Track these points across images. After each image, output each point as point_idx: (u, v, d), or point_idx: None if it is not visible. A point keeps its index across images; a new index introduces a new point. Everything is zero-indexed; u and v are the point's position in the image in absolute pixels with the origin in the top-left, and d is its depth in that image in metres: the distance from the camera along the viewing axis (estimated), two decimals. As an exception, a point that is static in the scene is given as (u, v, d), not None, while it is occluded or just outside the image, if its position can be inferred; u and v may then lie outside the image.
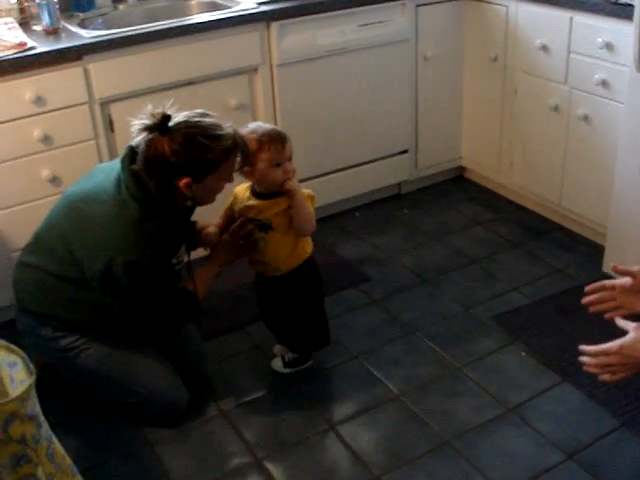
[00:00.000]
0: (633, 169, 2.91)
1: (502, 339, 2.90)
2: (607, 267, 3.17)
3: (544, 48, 3.39)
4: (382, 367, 2.78)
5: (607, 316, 2.00)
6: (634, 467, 2.32)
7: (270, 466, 2.39)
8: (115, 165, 2.38)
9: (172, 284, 2.47)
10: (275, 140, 2.44)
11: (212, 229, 2.64)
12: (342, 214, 3.85)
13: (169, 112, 2.25)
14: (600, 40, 3.09)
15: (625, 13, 2.91)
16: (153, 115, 2.22)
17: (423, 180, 4.09)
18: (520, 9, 3.47)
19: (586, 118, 3.27)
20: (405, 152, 3.90)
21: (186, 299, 2.50)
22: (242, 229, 2.52)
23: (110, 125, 3.04)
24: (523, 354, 2.81)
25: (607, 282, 2.01)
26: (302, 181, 3.59)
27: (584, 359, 1.92)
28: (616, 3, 3.00)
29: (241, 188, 2.61)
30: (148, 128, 2.23)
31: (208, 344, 2.87)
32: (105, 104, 3.00)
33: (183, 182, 2.27)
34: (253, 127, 2.48)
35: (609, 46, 3.07)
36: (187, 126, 2.25)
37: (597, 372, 1.90)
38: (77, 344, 2.46)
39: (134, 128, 2.25)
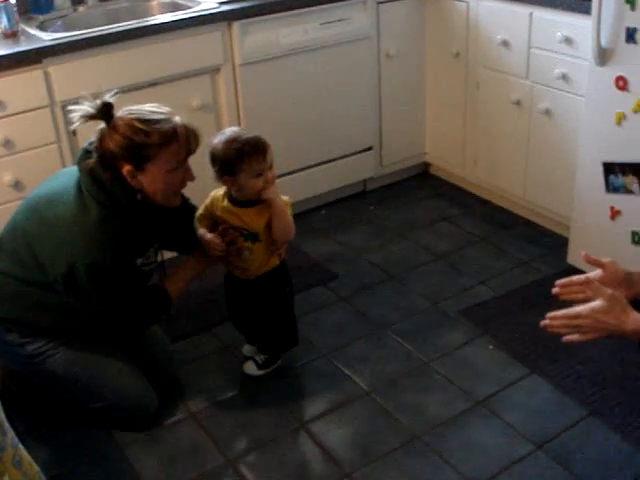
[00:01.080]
0: (595, 161, 2.94)
1: (470, 333, 2.92)
2: (571, 259, 3.20)
3: (505, 43, 3.41)
4: (351, 364, 2.78)
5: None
6: (602, 455, 2.35)
7: (242, 466, 2.39)
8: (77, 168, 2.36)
9: (140, 285, 2.45)
10: (257, 150, 2.41)
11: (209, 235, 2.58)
12: (308, 212, 3.84)
13: (110, 100, 2.22)
14: (559, 35, 3.12)
15: (583, 8, 2.94)
16: (95, 103, 2.21)
17: (388, 177, 4.11)
18: (480, 5, 3.49)
19: (547, 112, 3.30)
20: (370, 149, 3.92)
21: (157, 297, 2.49)
22: (226, 236, 2.52)
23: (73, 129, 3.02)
24: (491, 347, 2.83)
25: (576, 277, 2.03)
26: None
27: (546, 322, 1.94)
28: (576, -3, 3.03)
29: (217, 193, 2.58)
30: (89, 115, 2.21)
31: (176, 346, 2.85)
32: (67, 107, 2.97)
33: (125, 170, 2.23)
34: (232, 135, 2.43)
35: (568, 40, 3.10)
36: (128, 113, 2.23)
37: (565, 332, 1.93)
38: (44, 349, 2.43)
39: (75, 115, 2.23)
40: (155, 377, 2.61)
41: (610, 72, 2.79)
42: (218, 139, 2.43)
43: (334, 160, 3.81)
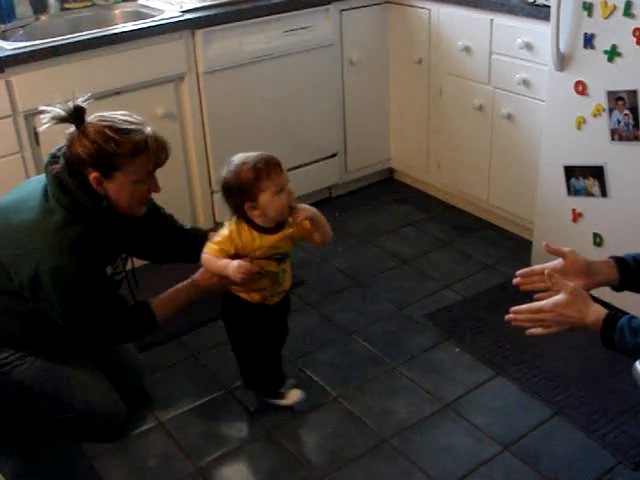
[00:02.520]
0: (556, 165, 2.98)
1: (436, 336, 2.94)
2: (535, 262, 3.23)
3: (467, 50, 3.45)
4: (319, 370, 2.79)
5: (536, 296, 2.03)
6: (568, 453, 2.38)
7: (212, 474, 2.38)
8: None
9: (110, 294, 2.40)
10: (271, 164, 2.26)
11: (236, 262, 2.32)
12: (274, 219, 3.85)
13: (82, 104, 2.21)
14: (520, 41, 3.16)
15: (542, 14, 2.98)
16: (67, 106, 2.19)
17: (353, 183, 4.13)
18: (442, 12, 3.52)
19: (509, 117, 3.34)
20: (334, 156, 3.93)
21: (141, 316, 2.44)
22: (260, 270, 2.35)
23: (35, 138, 2.99)
24: (457, 350, 2.85)
25: (537, 267, 2.05)
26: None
27: (511, 316, 1.97)
28: (534, 4, 3.07)
29: (236, 229, 2.32)
30: (60, 118, 2.19)
31: (144, 355, 2.83)
32: (30, 116, 2.94)
33: (92, 176, 2.21)
34: (238, 160, 2.29)
35: (529, 46, 3.14)
36: (100, 119, 2.21)
37: (527, 326, 1.96)
38: (10, 360, 2.41)
39: (45, 116, 2.20)
40: (123, 387, 2.59)
41: (569, 77, 2.84)
42: (226, 170, 2.29)
43: (299, 167, 3.81)
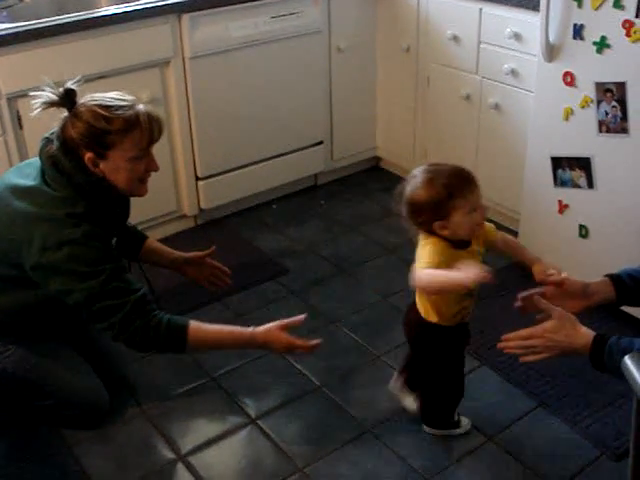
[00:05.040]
0: (543, 156, 2.98)
1: (420, 326, 2.93)
2: (520, 252, 3.24)
3: (455, 38, 3.44)
4: (302, 358, 2.77)
5: (538, 317, 2.08)
6: (551, 445, 2.39)
7: (194, 462, 2.37)
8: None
9: (120, 266, 2.28)
10: (465, 180, 2.07)
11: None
12: (259, 207, 3.84)
13: (73, 87, 2.18)
14: (509, 30, 3.15)
15: (532, 4, 2.97)
16: (57, 90, 2.16)
17: (339, 171, 4.11)
18: (431, 0, 3.50)
19: (497, 107, 3.33)
20: (320, 143, 3.91)
21: (171, 336, 2.26)
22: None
23: (18, 121, 2.96)
24: (442, 340, 2.85)
25: (538, 290, 2.10)
26: (218, 175, 3.58)
27: (502, 344, 2.04)
28: (523, -7, 3.06)
29: (438, 249, 2.13)
30: (51, 102, 2.16)
31: (126, 342, 2.82)
32: (12, 100, 2.91)
33: (87, 157, 2.17)
34: (427, 174, 2.10)
35: (517, 36, 3.13)
36: (90, 100, 2.18)
37: (520, 353, 2.03)
38: (-8, 348, 2.38)
39: (36, 102, 2.17)
40: (106, 375, 2.57)
41: (558, 68, 2.83)
42: (412, 186, 2.11)
43: (285, 154, 3.80)
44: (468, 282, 1.95)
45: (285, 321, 2.33)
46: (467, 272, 1.93)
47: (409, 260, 3.32)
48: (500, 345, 2.06)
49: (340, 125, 3.96)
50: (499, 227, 3.50)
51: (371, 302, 3.09)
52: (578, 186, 2.89)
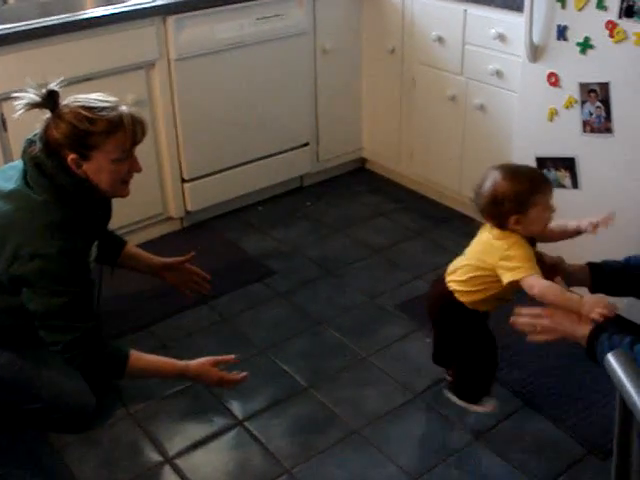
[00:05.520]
0: (528, 156, 2.99)
1: (407, 327, 2.94)
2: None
3: (440, 40, 3.45)
4: (290, 360, 2.78)
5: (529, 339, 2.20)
6: (537, 444, 2.40)
7: (181, 465, 2.36)
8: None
9: (86, 290, 2.33)
10: (547, 180, 2.23)
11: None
12: (245, 209, 3.83)
13: (56, 88, 2.18)
14: (493, 31, 3.17)
15: (516, 5, 2.98)
16: (40, 91, 2.16)
17: (325, 172, 4.11)
18: (416, 2, 3.52)
19: (482, 107, 3.34)
20: (306, 145, 3.91)
21: (112, 361, 2.36)
22: None
23: (3, 124, 2.94)
24: (428, 340, 2.84)
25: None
26: (205, 177, 3.57)
27: (514, 318, 2.15)
28: (507, -5, 3.08)
29: (526, 247, 2.19)
30: (34, 103, 2.16)
31: (112, 344, 2.81)
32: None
33: (70, 159, 2.18)
34: (510, 170, 2.20)
35: (502, 37, 3.15)
36: (74, 101, 2.19)
37: (527, 330, 2.13)
38: (-21, 352, 2.37)
39: (19, 103, 2.17)
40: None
41: (542, 68, 2.84)
42: (494, 179, 2.17)
43: (271, 156, 3.80)
44: (591, 316, 2.00)
45: (217, 358, 2.43)
46: (591, 305, 2.02)
47: (395, 261, 3.37)
48: (512, 320, 2.15)
49: (326, 126, 3.96)
50: (482, 225, 3.55)
51: (357, 303, 3.10)
52: (563, 186, 2.90)
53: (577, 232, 2.29)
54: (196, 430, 2.50)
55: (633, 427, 1.21)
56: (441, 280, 2.37)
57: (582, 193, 2.84)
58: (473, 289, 2.27)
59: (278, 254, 3.46)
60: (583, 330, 2.00)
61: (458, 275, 2.31)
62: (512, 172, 2.19)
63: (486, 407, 2.47)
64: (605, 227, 2.21)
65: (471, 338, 2.38)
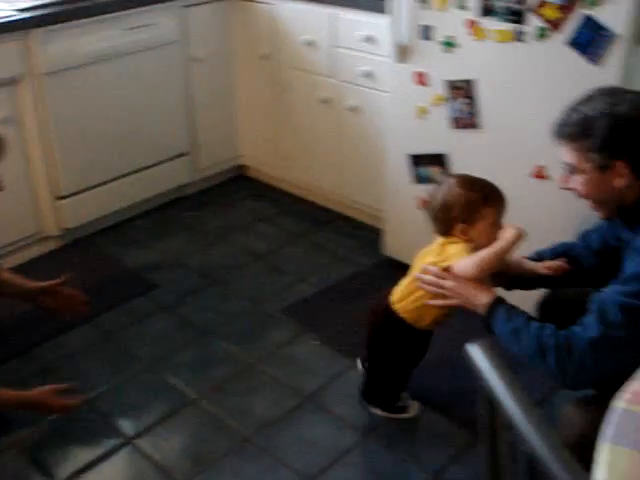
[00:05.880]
0: (401, 154, 3.05)
1: (294, 330, 2.95)
2: (387, 250, 3.30)
3: (310, 44, 3.47)
4: (178, 373, 2.74)
5: None
6: (426, 435, 2.45)
7: (69, 489, 2.30)
8: None
9: None
10: (500, 195, 2.16)
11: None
12: (125, 222, 3.76)
13: None
14: (361, 34, 3.21)
15: (382, 7, 3.03)
16: None
17: (205, 181, 4.08)
18: (285, 7, 3.53)
19: (355, 109, 3.39)
20: (184, 155, 3.88)
21: None
22: None
23: None
24: (315, 342, 2.87)
25: None
26: (83, 192, 3.49)
27: (418, 274, 2.18)
28: (373, -3, 3.13)
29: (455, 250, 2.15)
30: None
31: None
32: None
33: None
34: (465, 178, 2.20)
35: (370, 39, 3.20)
36: None
37: (430, 290, 2.15)
38: None
39: None
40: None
41: (409, 68, 2.90)
42: (449, 186, 2.18)
43: (148, 168, 3.74)
44: (513, 239, 2.03)
45: (57, 386, 2.37)
46: (505, 234, 2.05)
47: (279, 266, 3.37)
48: (416, 274, 2.18)
49: (203, 135, 3.93)
50: (365, 226, 3.61)
51: (243, 310, 3.09)
52: (436, 182, 2.97)
53: (533, 272, 2.24)
54: (85, 453, 2.43)
55: (497, 419, 1.21)
56: (383, 304, 2.35)
57: (455, 188, 2.91)
58: (412, 301, 2.26)
59: (161, 266, 3.41)
60: (483, 298, 2.00)
61: (400, 292, 2.30)
62: (468, 180, 2.19)
63: (411, 412, 2.51)
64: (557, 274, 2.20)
65: (399, 351, 2.36)
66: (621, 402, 1.31)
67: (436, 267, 2.13)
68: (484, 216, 2.13)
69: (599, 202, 1.93)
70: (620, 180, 1.81)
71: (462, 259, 2.09)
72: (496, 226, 2.14)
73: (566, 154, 1.89)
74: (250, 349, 2.85)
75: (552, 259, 2.22)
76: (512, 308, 1.96)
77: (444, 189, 2.20)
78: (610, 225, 2.09)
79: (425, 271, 2.17)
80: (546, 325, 1.84)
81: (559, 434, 1.87)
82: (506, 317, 1.93)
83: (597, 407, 1.33)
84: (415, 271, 2.25)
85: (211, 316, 3.05)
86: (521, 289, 2.29)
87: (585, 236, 2.22)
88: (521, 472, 1.17)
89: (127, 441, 2.46)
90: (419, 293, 2.22)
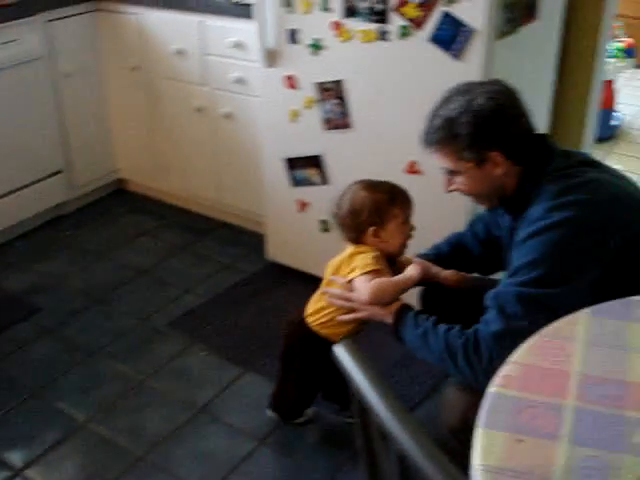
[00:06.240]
0: (277, 158, 3.05)
1: (182, 343, 2.92)
2: (270, 255, 3.31)
3: (180, 53, 3.44)
4: (65, 397, 2.67)
5: None
6: (321, 440, 2.46)
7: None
8: None
9: None
10: (405, 194, 2.17)
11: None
12: (2, 246, 3.63)
13: None
14: (230, 40, 3.21)
15: (248, 12, 3.02)
16: None
17: (83, 198, 3.99)
18: (151, 17, 3.49)
19: (229, 116, 3.38)
20: (59, 172, 3.78)
21: None
22: None
23: None
24: (204, 353, 2.85)
25: None
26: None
27: (326, 289, 2.17)
28: (238, 4, 3.13)
29: (378, 257, 2.12)
30: None
31: None
32: None
33: None
34: (369, 182, 2.18)
35: (239, 45, 3.19)
36: None
37: (338, 304, 2.12)
38: None
39: None
40: None
41: (279, 72, 2.91)
42: (353, 191, 2.17)
43: (22, 188, 3.63)
44: (415, 280, 2.06)
45: None
46: (410, 271, 2.07)
47: (163, 279, 3.32)
48: (324, 289, 2.17)
49: (77, 151, 3.84)
50: (247, 232, 3.61)
51: (129, 327, 3.03)
52: (314, 183, 2.99)
53: (435, 279, 2.25)
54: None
55: (369, 419, 1.21)
56: (297, 317, 2.31)
57: (332, 188, 2.91)
58: (324, 315, 2.22)
59: (42, 289, 3.31)
60: (390, 308, 2.01)
61: (312, 305, 2.27)
62: (371, 184, 2.18)
63: (303, 417, 2.50)
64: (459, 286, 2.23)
65: (313, 365, 2.32)
66: (493, 387, 1.35)
67: (343, 279, 2.11)
68: (394, 216, 2.13)
69: (484, 196, 1.97)
70: (499, 169, 1.85)
71: (361, 280, 2.06)
72: (407, 224, 2.16)
73: (440, 160, 1.92)
74: (138, 366, 2.80)
75: (449, 252, 2.26)
76: (419, 314, 1.97)
77: (349, 196, 2.18)
78: (492, 214, 2.14)
79: (332, 284, 2.16)
80: (453, 326, 1.85)
81: (443, 418, 1.93)
82: (414, 323, 1.94)
83: (479, 391, 1.35)
84: (325, 283, 2.23)
85: (97, 336, 2.98)
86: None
87: (473, 225, 2.28)
88: (394, 472, 1.18)
89: (16, 473, 2.38)
90: (330, 307, 2.20)
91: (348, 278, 2.10)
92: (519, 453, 1.20)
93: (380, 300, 2.04)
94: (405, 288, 2.07)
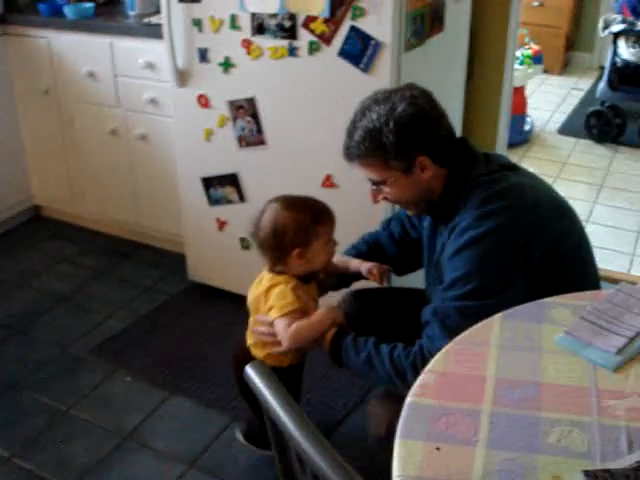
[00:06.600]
0: (194, 178, 3.04)
1: (105, 370, 2.87)
2: (192, 275, 3.29)
3: (92, 75, 3.40)
4: None
5: None
6: (249, 459, 2.44)
7: None
8: None
9: None
10: (327, 211, 2.08)
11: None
12: None
13: None
14: (141, 61, 3.19)
15: (158, 33, 3.01)
16: None
17: (-2, 227, 3.91)
18: (61, 40, 3.44)
19: (143, 137, 3.35)
20: (-29, 201, 3.70)
21: None
22: None
23: None
24: (128, 379, 2.81)
25: None
26: None
27: (254, 326, 2.11)
28: (149, 24, 3.11)
29: (296, 290, 2.04)
30: None
31: None
32: None
33: None
34: (289, 200, 2.07)
35: (150, 65, 3.17)
36: None
37: (267, 340, 2.07)
38: None
39: None
40: None
41: (191, 92, 2.90)
42: (273, 211, 2.05)
43: None
44: (330, 321, 1.98)
45: None
46: (324, 314, 1.99)
47: (85, 305, 3.26)
48: (253, 327, 2.11)
49: (-10, 179, 3.76)
50: (168, 253, 3.57)
51: (51, 356, 2.96)
52: (231, 202, 2.99)
53: (358, 273, 2.24)
54: None
55: (282, 436, 1.20)
56: (244, 347, 2.24)
57: (250, 205, 2.91)
58: (261, 347, 2.16)
59: (-43, 324, 3.22)
60: (325, 335, 1.98)
61: (249, 337, 2.21)
62: (293, 202, 2.07)
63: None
64: (379, 281, 2.20)
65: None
66: (410, 397, 1.37)
67: (266, 318, 2.05)
68: (318, 235, 2.04)
69: (412, 202, 1.96)
70: (426, 173, 1.86)
71: (280, 324, 2.00)
72: (331, 242, 2.09)
73: (366, 171, 1.90)
74: (61, 396, 2.74)
75: (368, 252, 2.27)
76: (356, 337, 1.93)
77: (270, 215, 2.06)
78: (409, 217, 2.16)
79: (257, 323, 2.10)
80: (395, 346, 1.84)
81: (369, 429, 1.94)
82: (354, 350, 1.90)
83: (401, 400, 1.36)
84: (252, 315, 2.16)
85: (17, 368, 2.91)
86: (346, 287, 2.33)
87: (389, 224, 2.30)
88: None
89: None
90: (264, 342, 2.13)
91: (270, 319, 2.04)
92: (437, 461, 1.22)
93: (300, 344, 2.01)
94: (321, 330, 1.99)
